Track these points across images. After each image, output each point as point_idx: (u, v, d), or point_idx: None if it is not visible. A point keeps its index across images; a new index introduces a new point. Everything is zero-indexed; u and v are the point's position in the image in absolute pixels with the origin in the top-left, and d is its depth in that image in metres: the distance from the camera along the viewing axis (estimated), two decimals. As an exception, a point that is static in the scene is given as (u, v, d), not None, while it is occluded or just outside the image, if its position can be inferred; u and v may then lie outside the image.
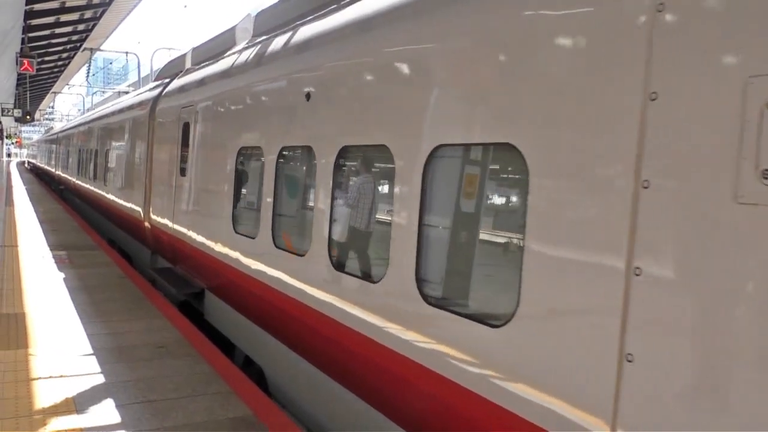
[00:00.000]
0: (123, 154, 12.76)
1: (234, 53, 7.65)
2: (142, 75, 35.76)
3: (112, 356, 5.45)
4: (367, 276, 4.15)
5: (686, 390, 2.19)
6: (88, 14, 22.58)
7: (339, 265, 4.48)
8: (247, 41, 7.83)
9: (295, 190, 5.53)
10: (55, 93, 50.17)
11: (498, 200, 3.36)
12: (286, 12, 6.75)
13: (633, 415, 2.34)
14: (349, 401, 4.30)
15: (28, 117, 35.48)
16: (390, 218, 3.88)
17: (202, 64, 9.06)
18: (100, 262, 10.15)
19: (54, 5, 19.95)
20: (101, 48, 30.59)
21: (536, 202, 2.82)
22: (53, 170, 33.26)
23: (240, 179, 6.57)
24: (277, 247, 5.43)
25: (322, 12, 5.62)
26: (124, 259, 10.83)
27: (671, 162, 2.27)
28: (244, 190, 6.56)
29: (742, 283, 2.05)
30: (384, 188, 4.30)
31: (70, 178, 23.52)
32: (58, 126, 47.53)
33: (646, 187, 2.34)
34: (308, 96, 4.97)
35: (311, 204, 4.91)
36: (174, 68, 11.64)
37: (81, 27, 24.73)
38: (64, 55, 31.48)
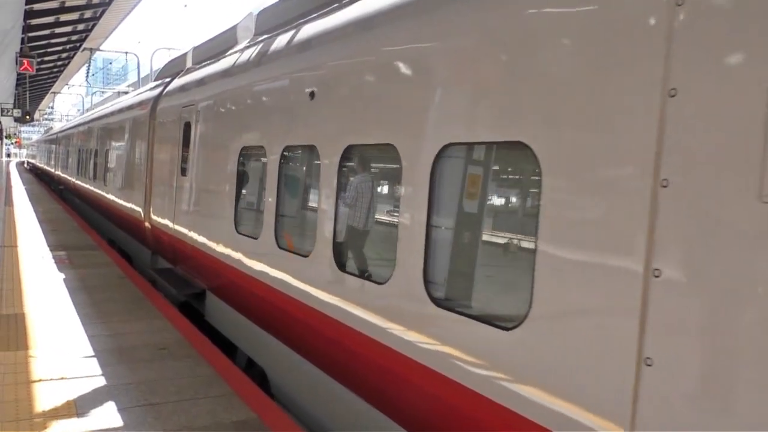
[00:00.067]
0: (123, 154, 12.70)
1: (236, 52, 7.58)
2: (142, 75, 35.68)
3: (112, 358, 5.38)
4: (372, 277, 4.09)
5: (708, 396, 2.13)
6: (87, 14, 22.51)
7: (344, 266, 4.42)
8: (249, 40, 7.77)
9: (299, 190, 5.46)
10: (54, 93, 50.08)
11: (508, 200, 3.30)
12: (289, 10, 6.69)
13: (652, 421, 2.27)
14: (352, 403, 4.23)
15: (27, 117, 35.39)
16: (397, 218, 3.81)
17: (204, 64, 9.00)
18: (100, 263, 10.08)
19: (54, 5, 19.87)
20: (101, 48, 30.52)
21: (549, 202, 2.76)
22: (53, 170, 33.19)
23: (242, 179, 6.50)
24: (280, 247, 5.36)
25: (327, 10, 5.56)
26: (124, 259, 10.76)
27: (691, 160, 2.20)
28: (246, 190, 6.49)
29: (766, 285, 1.99)
30: (390, 188, 4.24)
31: (69, 178, 23.45)
32: (57, 126, 47.46)
33: (665, 186, 2.27)
34: (312, 95, 4.91)
35: (315, 204, 4.84)
36: (175, 67, 11.58)
37: (81, 27, 24.65)
38: (64, 55, 31.40)
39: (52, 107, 74.17)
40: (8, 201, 20.29)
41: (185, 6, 34.29)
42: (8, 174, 41.12)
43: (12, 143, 79.13)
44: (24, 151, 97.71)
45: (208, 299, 7.34)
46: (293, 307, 5.01)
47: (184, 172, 8.42)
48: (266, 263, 5.57)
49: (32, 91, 40.71)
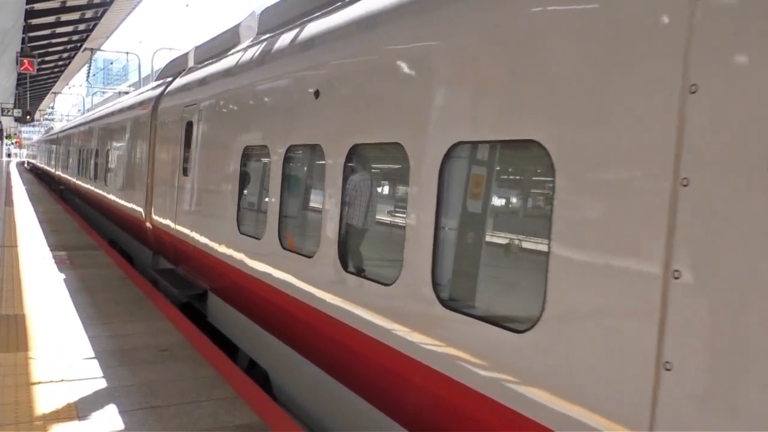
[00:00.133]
0: (124, 154, 12.64)
1: (238, 51, 7.52)
2: (143, 76, 35.63)
3: (114, 359, 5.31)
4: (379, 278, 4.01)
5: (730, 401, 2.06)
6: (88, 14, 22.46)
7: (350, 267, 4.35)
8: (251, 39, 7.71)
9: (303, 190, 5.40)
10: (55, 93, 50.05)
11: (519, 200, 3.23)
12: (292, 9, 6.63)
13: (671, 427, 2.20)
14: (357, 405, 4.17)
15: (28, 117, 35.32)
16: (404, 219, 3.75)
17: (206, 63, 8.94)
18: (101, 263, 10.02)
19: (54, 5, 19.83)
20: (102, 48, 30.47)
21: (564, 202, 2.69)
22: (53, 170, 33.14)
23: (245, 179, 6.44)
24: (283, 248, 5.30)
25: (332, 8, 5.50)
26: (125, 259, 10.70)
27: (712, 159, 2.13)
28: (249, 190, 6.42)
29: None
30: (397, 188, 4.17)
31: (70, 178, 23.39)
32: (58, 126, 47.41)
33: (685, 185, 2.20)
34: (317, 93, 4.84)
35: (320, 204, 4.78)
36: (176, 67, 11.53)
37: (81, 27, 24.60)
38: (65, 55, 31.36)
39: (53, 107, 74.15)
40: (8, 201, 20.23)
41: (187, 5, 34.19)
42: (8, 174, 41.08)
43: (12, 143, 79.10)
44: (24, 151, 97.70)
45: (210, 300, 7.27)
46: (297, 308, 4.94)
47: (185, 171, 8.36)
48: (269, 264, 5.51)
49: (33, 91, 40.67)
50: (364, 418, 4.09)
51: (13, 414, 4.14)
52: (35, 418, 4.09)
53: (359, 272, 4.28)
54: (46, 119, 75.97)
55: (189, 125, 8.33)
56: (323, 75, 4.83)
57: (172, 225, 8.79)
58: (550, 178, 2.77)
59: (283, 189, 5.44)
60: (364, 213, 4.41)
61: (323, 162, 4.69)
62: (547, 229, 2.75)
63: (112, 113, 14.98)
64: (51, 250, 10.98)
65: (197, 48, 10.30)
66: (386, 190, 4.41)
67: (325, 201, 4.63)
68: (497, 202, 3.30)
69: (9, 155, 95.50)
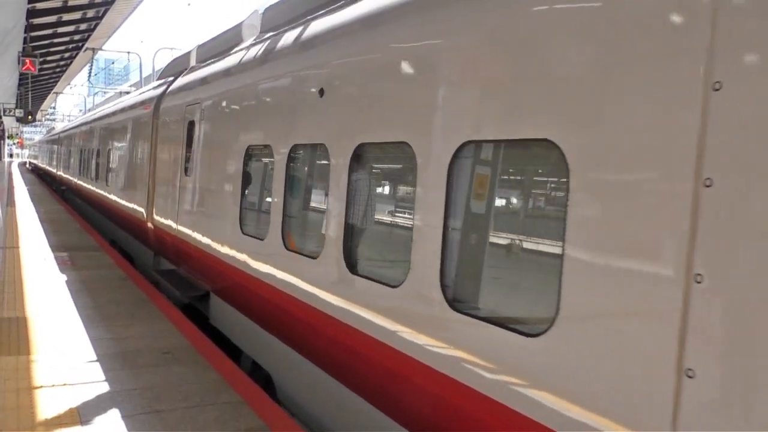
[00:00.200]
0: (125, 154, 12.58)
1: (241, 50, 7.45)
2: (144, 75, 35.56)
3: (116, 362, 5.25)
4: (385, 280, 3.94)
5: (756, 411, 1.98)
6: (90, 13, 22.37)
7: (355, 269, 4.27)
8: (254, 38, 7.64)
9: (308, 190, 5.32)
10: (56, 93, 50.00)
11: (531, 201, 3.15)
12: (296, 7, 6.55)
13: None
14: (362, 409, 4.10)
15: (29, 117, 35.28)
16: (411, 219, 3.67)
17: (208, 62, 8.86)
18: (103, 264, 9.95)
19: (56, 4, 19.74)
20: (103, 48, 30.40)
21: (578, 202, 2.61)
22: (55, 171, 33.11)
23: (247, 179, 6.37)
24: (287, 249, 5.22)
25: (336, 5, 5.42)
26: (126, 260, 10.64)
27: (737, 158, 2.05)
28: (252, 190, 6.35)
29: None
30: (404, 188, 4.09)
31: (71, 178, 23.34)
32: (59, 126, 47.38)
33: (708, 186, 2.13)
34: (322, 92, 4.77)
35: (324, 204, 4.70)
36: (178, 66, 11.46)
37: (83, 26, 24.53)
38: (66, 54, 31.29)
39: (54, 107, 74.16)
40: (10, 201, 20.19)
41: (188, 4, 34.10)
42: (10, 174, 41.06)
43: (14, 143, 79.11)
44: (26, 152, 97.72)
45: (212, 301, 7.21)
46: (301, 309, 4.87)
47: (187, 171, 8.29)
48: (273, 265, 5.43)
49: (34, 91, 40.62)
50: (368, 420, 4.02)
51: (15, 419, 4.08)
52: (37, 424, 4.02)
53: (364, 274, 4.21)
54: (48, 119, 75.98)
55: (191, 125, 8.26)
56: (327, 73, 4.75)
57: (173, 225, 8.73)
58: (563, 179, 2.69)
59: (287, 189, 5.36)
60: (370, 213, 4.33)
61: (328, 162, 4.62)
62: (560, 230, 2.67)
63: (114, 113, 14.92)
64: (52, 250, 10.92)
65: (199, 47, 10.23)
66: (393, 190, 4.33)
67: (330, 201, 4.55)
68: (508, 202, 3.23)
69: (11, 155, 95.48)
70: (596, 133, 2.54)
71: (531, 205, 3.14)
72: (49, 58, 30.13)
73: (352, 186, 4.34)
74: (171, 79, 10.89)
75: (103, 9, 21.44)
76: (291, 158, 5.33)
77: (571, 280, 2.60)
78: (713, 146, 2.12)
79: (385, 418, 3.85)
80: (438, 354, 3.35)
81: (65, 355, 5.35)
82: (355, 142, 4.27)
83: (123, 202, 12.37)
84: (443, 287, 3.35)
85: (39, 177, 43.31)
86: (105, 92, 54.14)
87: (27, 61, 18.95)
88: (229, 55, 7.87)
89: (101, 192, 15.25)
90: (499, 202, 3.28)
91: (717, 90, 2.11)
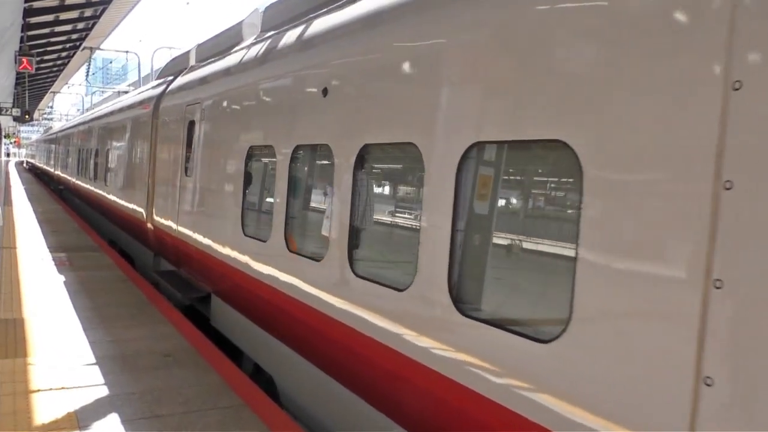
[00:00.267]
0: (124, 154, 12.50)
1: (242, 49, 7.38)
2: (143, 75, 35.46)
3: (115, 365, 5.17)
4: (391, 283, 3.87)
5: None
6: (88, 12, 22.26)
7: (359, 271, 4.21)
8: (255, 36, 7.57)
9: (311, 191, 5.25)
10: (54, 92, 49.83)
11: (541, 203, 3.08)
12: (297, 5, 6.48)
13: None
14: (366, 412, 4.03)
15: (26, 116, 35.13)
16: (418, 222, 3.60)
17: (208, 61, 8.79)
18: (102, 265, 9.88)
19: (53, 3, 19.64)
20: (101, 47, 30.28)
21: (591, 205, 2.54)
22: (52, 170, 32.98)
23: (249, 179, 6.29)
24: (290, 250, 5.16)
25: (340, 3, 5.35)
26: (125, 261, 10.56)
27: (759, 160, 1.99)
28: (254, 191, 6.28)
29: None
30: (411, 189, 4.03)
31: (69, 178, 23.24)
32: (57, 125, 47.23)
33: (728, 189, 2.06)
34: (325, 92, 4.70)
35: (328, 206, 4.64)
36: (178, 65, 11.38)
37: (81, 25, 24.41)
38: (64, 53, 31.16)
39: (52, 107, 73.93)
40: (7, 201, 20.08)
41: (187, 3, 33.98)
42: (7, 174, 40.91)
43: (11, 143, 78.90)
44: (23, 151, 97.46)
45: (213, 303, 7.13)
46: (304, 312, 4.80)
47: (188, 172, 8.22)
48: (276, 267, 5.36)
49: (32, 91, 40.48)
50: (371, 424, 3.96)
51: (12, 424, 4.00)
52: (35, 428, 3.95)
53: (369, 276, 4.14)
54: (45, 119, 75.75)
55: (191, 125, 8.19)
56: (331, 73, 4.68)
57: (174, 226, 8.65)
58: (577, 181, 2.63)
59: (290, 190, 5.29)
60: (375, 216, 4.27)
61: (332, 162, 4.55)
62: (572, 234, 2.61)
63: (113, 112, 14.83)
64: (50, 251, 10.84)
65: (199, 46, 10.15)
66: (398, 192, 4.26)
67: (334, 203, 4.49)
68: (518, 205, 3.16)
69: (8, 155, 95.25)
70: (610, 134, 2.48)
71: (544, 208, 3.07)
72: (46, 57, 30.01)
73: (356, 187, 4.28)
74: (170, 78, 10.82)
75: (100, 8, 21.33)
76: (294, 159, 5.26)
77: (583, 285, 2.54)
78: (733, 147, 2.06)
79: (388, 422, 3.80)
80: (444, 358, 3.29)
81: (63, 358, 5.28)
82: (360, 143, 4.20)
83: (122, 203, 12.29)
84: (450, 290, 3.29)
85: (37, 176, 43.17)
86: (103, 92, 54.00)
87: (24, 60, 18.83)
88: (230, 54, 7.80)
89: (100, 192, 15.16)
90: (510, 204, 3.22)
91: (737, 89, 2.05)
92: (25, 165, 70.83)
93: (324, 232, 4.67)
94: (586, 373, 2.51)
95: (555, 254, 2.87)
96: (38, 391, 4.55)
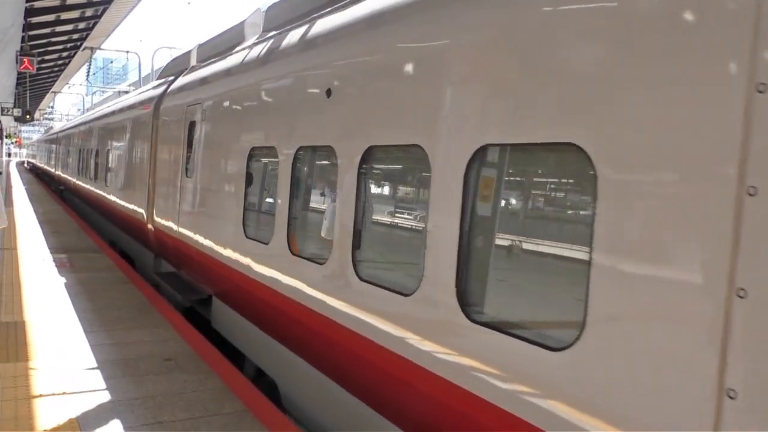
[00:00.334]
0: (125, 154, 12.43)
1: (243, 49, 7.31)
2: (143, 75, 35.38)
3: (117, 370, 5.11)
4: (396, 288, 3.80)
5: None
6: (89, 12, 22.20)
7: (363, 276, 4.14)
8: (257, 36, 7.50)
9: (314, 193, 5.18)
10: (55, 92, 49.78)
11: (552, 208, 3.01)
12: (300, 5, 6.41)
13: None
14: (369, 417, 3.97)
15: (27, 116, 35.08)
16: (424, 225, 3.54)
17: (209, 61, 8.72)
18: (102, 266, 9.82)
19: (54, 3, 19.57)
20: (102, 47, 30.21)
21: (605, 210, 2.48)
22: (53, 170, 32.93)
23: (251, 181, 6.23)
24: (292, 253, 5.09)
25: (343, 3, 5.28)
26: (126, 262, 10.50)
27: None
28: (255, 192, 6.21)
29: None
30: (417, 193, 3.96)
31: (70, 178, 23.18)
32: (58, 125, 47.20)
33: (752, 195, 2.00)
34: (329, 92, 4.63)
35: (332, 208, 4.57)
36: (179, 65, 11.32)
37: (82, 25, 24.35)
38: (65, 53, 31.10)
39: (53, 107, 73.92)
40: (8, 201, 20.02)
41: (188, 3, 33.90)
42: (8, 174, 40.87)
43: (12, 143, 78.85)
44: (24, 151, 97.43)
45: (214, 305, 7.07)
46: (306, 315, 4.74)
47: (188, 173, 8.15)
48: (278, 269, 5.30)
49: (32, 91, 40.43)
50: (375, 430, 3.89)
51: (13, 429, 3.94)
52: (35, 435, 3.89)
53: (374, 281, 4.07)
54: (46, 119, 75.73)
55: (192, 125, 8.12)
56: (335, 73, 4.61)
57: (174, 227, 8.59)
58: (590, 186, 2.56)
59: (292, 192, 5.23)
60: (380, 219, 4.20)
61: (335, 164, 4.48)
62: (586, 239, 2.54)
63: (113, 113, 14.77)
64: (51, 252, 10.79)
65: (200, 46, 10.09)
66: (405, 194, 4.19)
67: (338, 205, 4.42)
68: (528, 209, 3.09)
69: (9, 155, 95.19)
70: (627, 137, 2.41)
71: (553, 213, 3.00)
72: (47, 57, 29.97)
73: (360, 190, 4.21)
74: (171, 78, 10.75)
75: (101, 8, 21.27)
76: (296, 160, 5.20)
77: (599, 293, 2.47)
78: (758, 152, 1.99)
79: (393, 428, 3.73)
80: (451, 363, 3.22)
81: (64, 362, 5.22)
82: (365, 145, 4.13)
83: (123, 203, 12.23)
84: (458, 296, 3.22)
85: (37, 176, 43.13)
86: (103, 92, 53.96)
87: (25, 60, 18.78)
88: (231, 54, 7.73)
89: (100, 192, 15.10)
90: (520, 208, 3.15)
91: (761, 92, 1.99)
92: (26, 165, 70.82)
93: (327, 235, 4.60)
94: (598, 381, 2.44)
95: (568, 262, 2.80)
96: (40, 396, 4.49)
